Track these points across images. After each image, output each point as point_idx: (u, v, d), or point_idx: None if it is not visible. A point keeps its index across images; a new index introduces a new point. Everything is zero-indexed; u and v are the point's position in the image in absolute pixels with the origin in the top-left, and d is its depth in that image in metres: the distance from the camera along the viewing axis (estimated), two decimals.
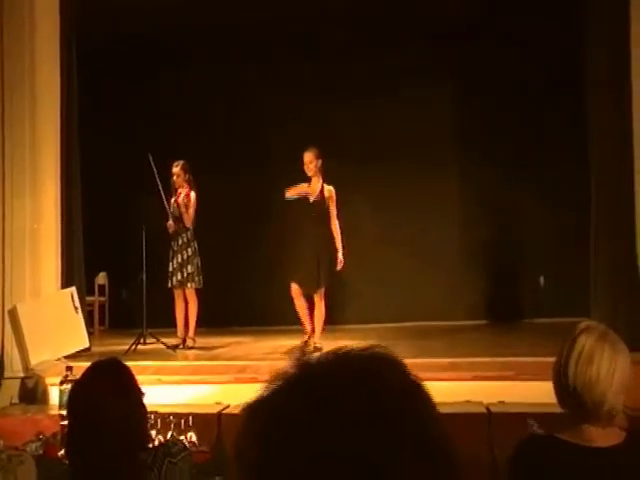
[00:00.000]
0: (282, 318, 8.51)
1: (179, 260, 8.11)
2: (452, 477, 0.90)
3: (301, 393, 0.91)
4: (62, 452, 4.31)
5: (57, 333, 7.25)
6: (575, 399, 2.23)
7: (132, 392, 2.45)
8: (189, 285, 8.14)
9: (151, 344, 7.91)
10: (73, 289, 7.57)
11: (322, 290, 7.57)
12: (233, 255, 9.78)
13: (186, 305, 8.19)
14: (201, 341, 8.21)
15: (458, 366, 6.33)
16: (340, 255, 7.55)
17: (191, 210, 8.14)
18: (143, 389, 2.50)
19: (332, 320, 9.40)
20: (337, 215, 7.63)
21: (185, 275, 8.11)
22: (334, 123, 9.56)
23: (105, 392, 2.37)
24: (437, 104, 9.81)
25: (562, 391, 2.26)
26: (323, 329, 7.65)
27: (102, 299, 10.09)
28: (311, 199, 7.64)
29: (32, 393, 6.56)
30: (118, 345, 7.97)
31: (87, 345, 7.60)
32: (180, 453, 2.50)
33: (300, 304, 7.57)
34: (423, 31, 9.51)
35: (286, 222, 8.56)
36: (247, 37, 9.62)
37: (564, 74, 8.79)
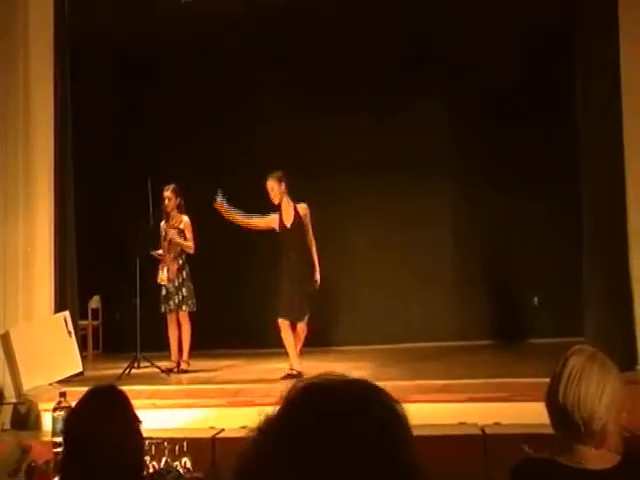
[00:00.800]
0: (275, 341, 8.48)
1: (175, 284, 8.10)
2: None
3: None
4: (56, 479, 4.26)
5: (50, 358, 7.21)
6: (566, 419, 2.22)
7: (128, 419, 2.43)
8: (183, 308, 8.13)
9: (145, 368, 7.88)
10: (66, 313, 7.53)
11: (307, 317, 7.49)
12: (225, 279, 9.76)
13: (179, 328, 8.17)
14: (194, 364, 8.18)
15: (452, 388, 6.29)
16: (317, 275, 7.40)
17: (189, 235, 8.14)
18: (138, 414, 2.49)
19: (326, 342, 9.40)
20: (312, 228, 7.42)
21: (180, 298, 8.11)
22: (326, 138, 9.54)
23: (101, 419, 2.36)
24: (432, 119, 9.79)
25: (554, 412, 2.26)
26: (300, 352, 7.50)
27: (95, 323, 10.04)
28: (288, 225, 7.40)
29: (25, 419, 6.50)
30: (112, 369, 7.94)
31: (80, 369, 7.55)
32: None
33: (287, 337, 7.40)
34: (417, 47, 9.53)
35: (277, 246, 8.52)
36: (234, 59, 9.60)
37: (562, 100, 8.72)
